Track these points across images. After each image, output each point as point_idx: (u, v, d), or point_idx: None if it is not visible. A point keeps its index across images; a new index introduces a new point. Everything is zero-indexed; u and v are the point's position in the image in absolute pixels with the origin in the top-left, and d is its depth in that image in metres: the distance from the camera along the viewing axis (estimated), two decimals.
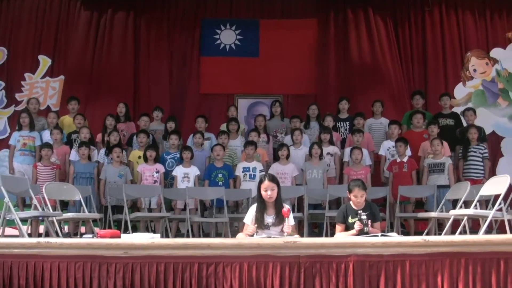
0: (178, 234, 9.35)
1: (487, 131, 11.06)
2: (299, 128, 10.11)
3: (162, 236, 7.57)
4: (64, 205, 9.16)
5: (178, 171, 9.37)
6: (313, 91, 11.93)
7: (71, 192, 8.42)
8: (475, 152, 9.68)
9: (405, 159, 9.47)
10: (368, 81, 11.77)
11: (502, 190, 7.21)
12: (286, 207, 5.95)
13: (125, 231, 8.21)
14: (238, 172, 9.49)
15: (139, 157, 9.68)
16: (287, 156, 9.53)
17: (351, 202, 6.42)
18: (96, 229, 8.00)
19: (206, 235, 9.23)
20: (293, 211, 7.57)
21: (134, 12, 12.12)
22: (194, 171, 9.40)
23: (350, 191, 6.44)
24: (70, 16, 12.05)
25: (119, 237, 5.36)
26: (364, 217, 6.05)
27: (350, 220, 6.29)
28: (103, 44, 11.91)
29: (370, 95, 11.25)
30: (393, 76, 11.82)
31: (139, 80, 11.96)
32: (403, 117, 10.78)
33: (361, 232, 5.99)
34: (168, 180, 9.59)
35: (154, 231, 8.82)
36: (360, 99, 11.32)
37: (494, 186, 7.58)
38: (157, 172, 9.37)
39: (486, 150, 9.77)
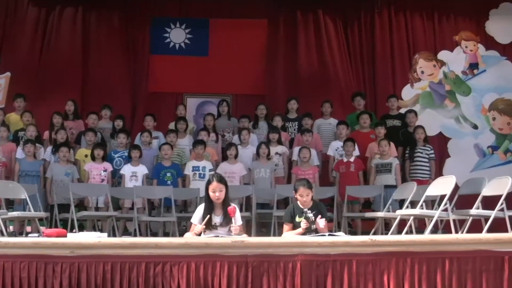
0: (126, 233, 9.27)
1: (434, 132, 11.25)
2: (247, 128, 10.17)
3: (109, 235, 7.47)
4: (10, 204, 8.97)
5: (126, 170, 9.33)
6: (262, 91, 11.88)
7: (16, 190, 8.29)
8: (421, 153, 9.84)
9: (352, 159, 9.58)
10: (317, 81, 11.82)
11: (447, 190, 7.39)
12: (232, 205, 5.97)
13: (72, 230, 8.13)
14: (188, 171, 9.47)
15: (86, 156, 9.58)
16: (236, 156, 9.55)
17: (298, 202, 6.45)
18: (42, 228, 7.87)
19: (154, 234, 9.18)
20: (241, 211, 7.59)
21: (83, 8, 11.94)
22: (142, 170, 9.37)
23: (295, 190, 6.47)
24: (17, 12, 11.80)
25: (66, 236, 5.31)
26: (310, 215, 6.07)
27: (297, 219, 6.30)
28: (50, 41, 11.72)
29: (319, 96, 11.31)
30: (342, 77, 11.88)
31: (88, 77, 11.80)
32: (346, 118, 10.83)
33: (308, 231, 6.01)
34: (116, 178, 9.54)
35: (101, 230, 8.74)
36: (309, 100, 11.32)
37: (440, 187, 7.74)
38: (105, 170, 9.30)
39: (432, 151, 9.94)
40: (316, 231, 5.97)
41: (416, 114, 10.76)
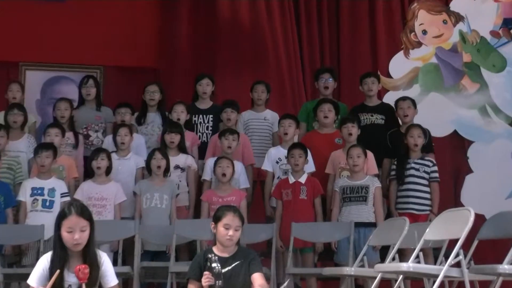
0: None
1: (444, 131, 11.26)
2: (128, 124, 9.87)
3: None
4: None
5: None
6: (154, 63, 11.90)
7: None
8: (417, 170, 9.58)
9: (302, 179, 9.29)
10: (245, 54, 11.95)
11: (461, 232, 6.90)
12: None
13: None
14: (23, 195, 9.00)
15: None
16: (108, 170, 9.18)
17: (214, 247, 6.56)
18: None
19: None
20: (115, 263, 7.62)
21: None
22: None
23: (218, 219, 6.55)
24: None
25: None
26: (215, 264, 6.17)
27: None
28: None
29: (248, 75, 11.43)
30: (284, 48, 11.92)
31: None
32: (300, 109, 10.74)
33: None
34: None
35: None
36: (231, 80, 11.43)
37: (448, 226, 7.36)
38: None
39: (435, 168, 9.67)
40: None
41: (414, 104, 10.44)
